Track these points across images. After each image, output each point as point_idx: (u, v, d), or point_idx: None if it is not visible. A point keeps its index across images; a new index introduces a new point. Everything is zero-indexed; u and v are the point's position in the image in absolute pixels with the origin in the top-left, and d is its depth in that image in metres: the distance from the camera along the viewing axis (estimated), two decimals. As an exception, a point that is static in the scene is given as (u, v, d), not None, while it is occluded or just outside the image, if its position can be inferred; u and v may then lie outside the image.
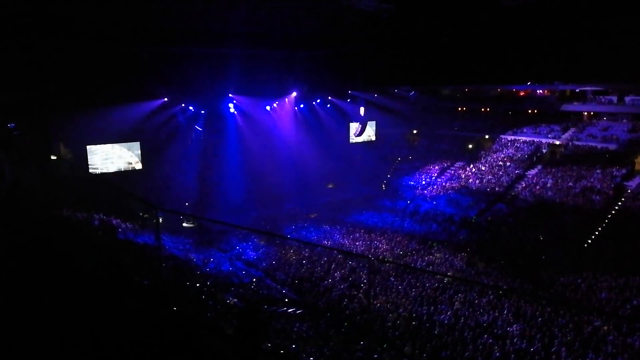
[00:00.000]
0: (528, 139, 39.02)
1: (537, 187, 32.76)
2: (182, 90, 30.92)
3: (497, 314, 16.45)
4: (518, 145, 39.10)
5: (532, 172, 35.29)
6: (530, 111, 42.06)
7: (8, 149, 10.56)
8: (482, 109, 44.98)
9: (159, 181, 28.27)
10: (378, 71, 37.15)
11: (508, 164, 37.32)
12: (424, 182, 38.58)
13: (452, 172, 39.04)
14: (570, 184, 31.50)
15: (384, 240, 26.59)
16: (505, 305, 17.08)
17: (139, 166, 30.84)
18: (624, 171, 30.88)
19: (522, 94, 43.66)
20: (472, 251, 24.83)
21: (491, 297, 17.83)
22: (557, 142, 36.74)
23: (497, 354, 13.93)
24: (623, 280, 19.98)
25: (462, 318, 16.01)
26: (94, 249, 7.42)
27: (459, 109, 46.66)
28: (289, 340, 13.95)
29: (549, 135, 38.11)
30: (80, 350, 4.31)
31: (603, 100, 37.96)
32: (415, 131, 46.85)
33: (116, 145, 30.21)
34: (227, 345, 4.90)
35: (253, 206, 31.79)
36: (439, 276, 20.19)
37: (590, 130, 36.93)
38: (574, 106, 39.45)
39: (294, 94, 37.64)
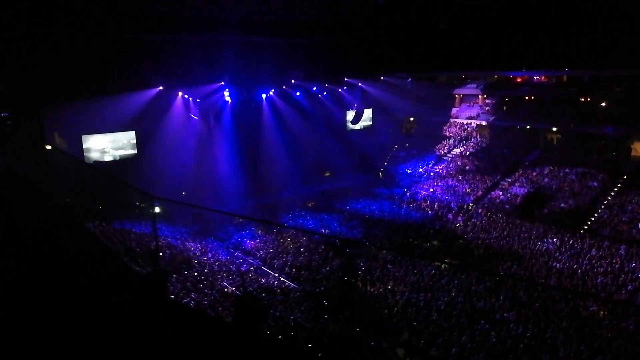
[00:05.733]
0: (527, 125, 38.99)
1: (534, 173, 32.82)
2: (177, 78, 30.62)
3: (493, 300, 16.55)
4: (515, 132, 39.06)
5: (529, 158, 35.37)
6: (527, 97, 41.94)
7: (1, 138, 10.43)
8: (480, 96, 44.80)
9: (155, 170, 28.09)
10: (375, 58, 36.89)
11: (504, 150, 37.35)
12: (421, 170, 38.59)
13: (449, 159, 39.04)
14: (567, 170, 31.56)
15: (381, 228, 26.64)
16: (502, 292, 17.18)
17: (134, 155, 30.67)
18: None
19: (519, 80, 43.47)
20: (469, 238, 24.94)
21: (488, 283, 17.95)
22: (554, 129, 36.69)
23: (494, 340, 14.04)
24: (618, 265, 20.14)
25: (459, 304, 16.11)
26: (90, 239, 7.36)
27: (457, 95, 46.48)
28: (287, 328, 14.01)
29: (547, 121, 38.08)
30: (76, 342, 4.28)
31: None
32: (412, 118, 46.70)
33: (111, 135, 30.01)
34: (225, 333, 4.88)
35: (250, 194, 31.73)
36: (436, 263, 20.27)
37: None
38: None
39: (292, 81, 37.43)
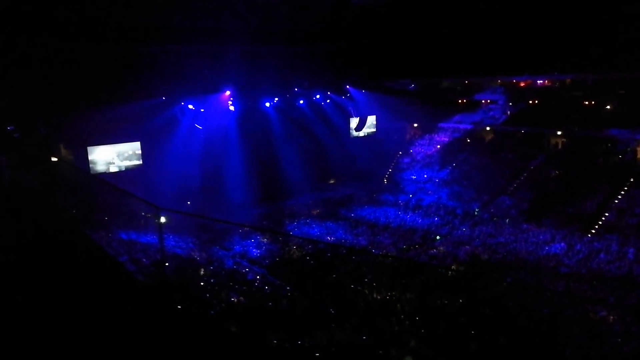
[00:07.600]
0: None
1: (540, 177, 32.65)
2: (181, 88, 30.82)
3: (501, 307, 16.40)
4: (519, 137, 38.95)
5: (535, 162, 35.23)
6: (531, 102, 41.85)
7: (8, 152, 10.54)
8: (483, 101, 44.72)
9: (160, 180, 28.19)
10: (377, 65, 36.98)
11: (509, 155, 37.23)
12: (425, 176, 38.47)
13: (454, 164, 38.92)
14: (573, 173, 31.38)
15: (387, 235, 26.55)
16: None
17: (140, 166, 30.81)
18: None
19: (522, 84, 43.39)
20: (476, 244, 24.79)
21: (495, 290, 17.81)
22: (559, 132, 36.54)
23: (502, 346, 13.91)
24: (627, 269, 19.96)
25: (466, 311, 15.99)
26: (97, 249, 7.39)
27: (460, 101, 46.41)
28: (293, 336, 13.96)
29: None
30: (84, 350, 4.29)
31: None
32: (416, 124, 46.66)
33: (117, 146, 30.17)
34: (232, 342, 4.87)
35: (255, 203, 31.75)
36: (443, 270, 20.18)
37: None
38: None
39: (295, 89, 37.61)
